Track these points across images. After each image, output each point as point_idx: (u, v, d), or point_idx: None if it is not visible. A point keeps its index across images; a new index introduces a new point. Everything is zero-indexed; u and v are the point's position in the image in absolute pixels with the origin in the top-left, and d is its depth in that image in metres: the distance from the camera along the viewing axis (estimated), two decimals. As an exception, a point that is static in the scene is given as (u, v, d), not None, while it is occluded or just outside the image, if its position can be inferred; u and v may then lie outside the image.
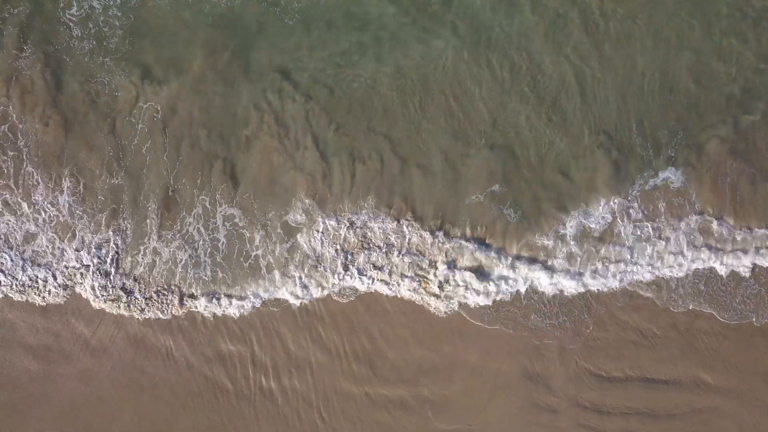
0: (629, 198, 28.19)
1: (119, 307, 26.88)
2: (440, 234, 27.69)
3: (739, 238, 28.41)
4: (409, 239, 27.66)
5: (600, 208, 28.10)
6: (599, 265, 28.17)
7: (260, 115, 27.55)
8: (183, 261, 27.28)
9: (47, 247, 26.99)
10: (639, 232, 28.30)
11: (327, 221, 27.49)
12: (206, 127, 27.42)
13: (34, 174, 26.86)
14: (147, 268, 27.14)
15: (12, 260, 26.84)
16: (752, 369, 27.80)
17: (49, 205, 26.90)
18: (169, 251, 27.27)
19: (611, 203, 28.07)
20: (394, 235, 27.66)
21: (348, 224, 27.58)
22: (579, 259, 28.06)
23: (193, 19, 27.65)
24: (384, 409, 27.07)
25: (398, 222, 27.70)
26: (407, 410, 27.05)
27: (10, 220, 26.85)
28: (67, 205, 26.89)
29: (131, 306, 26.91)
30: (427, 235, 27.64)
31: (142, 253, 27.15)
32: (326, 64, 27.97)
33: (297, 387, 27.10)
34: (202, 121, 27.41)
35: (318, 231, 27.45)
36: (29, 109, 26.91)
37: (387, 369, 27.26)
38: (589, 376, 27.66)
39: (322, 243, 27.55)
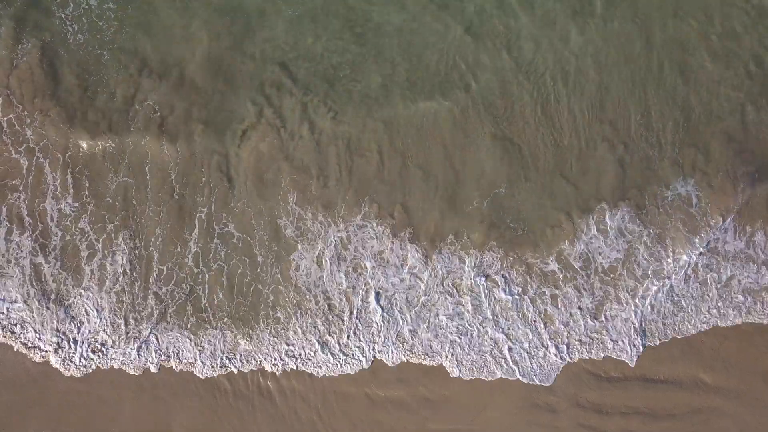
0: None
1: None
2: None
3: None
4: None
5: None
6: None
7: (259, 110, 27.22)
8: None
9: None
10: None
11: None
12: (203, 122, 27.13)
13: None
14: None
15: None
16: (752, 369, 27.75)
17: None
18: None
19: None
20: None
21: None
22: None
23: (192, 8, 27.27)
24: (384, 409, 27.06)
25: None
26: (407, 410, 27.04)
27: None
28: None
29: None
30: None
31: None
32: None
33: (295, 387, 27.04)
34: (199, 116, 27.11)
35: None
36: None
37: (387, 369, 27.22)
38: (589, 376, 27.62)
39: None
